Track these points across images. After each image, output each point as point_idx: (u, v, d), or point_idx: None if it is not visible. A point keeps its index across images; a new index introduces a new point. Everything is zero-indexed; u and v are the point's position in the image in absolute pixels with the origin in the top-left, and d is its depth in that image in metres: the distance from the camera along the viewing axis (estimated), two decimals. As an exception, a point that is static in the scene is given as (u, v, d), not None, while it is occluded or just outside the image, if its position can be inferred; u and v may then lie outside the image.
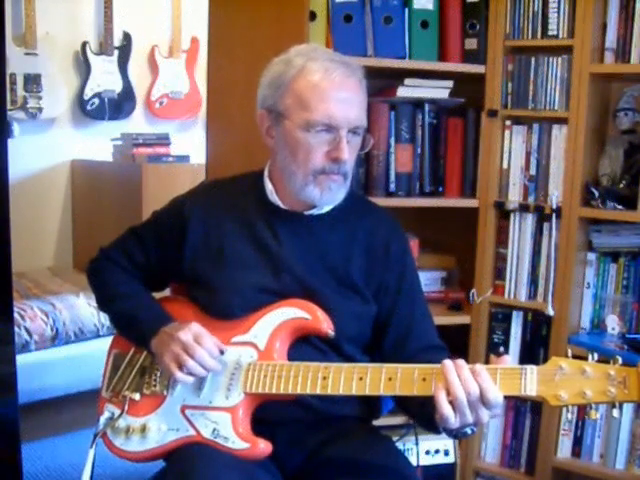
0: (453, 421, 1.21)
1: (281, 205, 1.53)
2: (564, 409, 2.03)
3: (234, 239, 1.52)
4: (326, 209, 1.53)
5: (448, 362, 1.24)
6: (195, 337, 1.39)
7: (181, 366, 1.39)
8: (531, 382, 1.21)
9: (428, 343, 1.54)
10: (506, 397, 1.24)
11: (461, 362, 1.24)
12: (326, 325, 1.43)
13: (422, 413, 1.38)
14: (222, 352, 1.41)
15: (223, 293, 1.49)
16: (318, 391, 1.33)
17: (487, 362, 2.22)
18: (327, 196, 1.47)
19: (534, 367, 1.22)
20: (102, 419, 1.50)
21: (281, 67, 1.46)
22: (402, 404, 1.51)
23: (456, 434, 1.32)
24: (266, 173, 1.57)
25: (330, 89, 1.41)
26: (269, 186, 1.55)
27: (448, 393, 1.21)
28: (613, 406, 1.19)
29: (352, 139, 1.45)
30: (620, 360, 1.20)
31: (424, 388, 1.27)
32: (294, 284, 1.48)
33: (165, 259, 1.59)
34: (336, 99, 1.41)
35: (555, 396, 1.20)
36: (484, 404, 1.21)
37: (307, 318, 1.44)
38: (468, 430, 1.29)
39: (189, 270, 1.54)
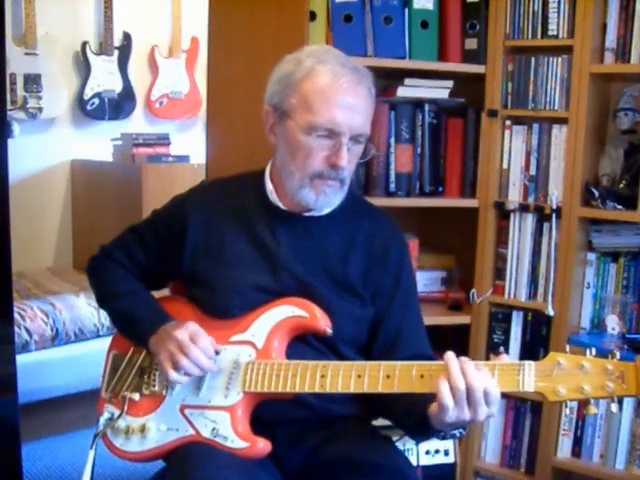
0: (451, 413, 1.20)
1: (281, 205, 1.53)
2: (564, 407, 2.03)
3: (234, 239, 1.52)
4: (325, 211, 1.53)
5: (451, 354, 1.23)
6: (191, 336, 1.39)
7: (176, 365, 1.39)
8: (529, 378, 1.21)
9: (416, 352, 1.52)
10: (505, 395, 1.24)
11: (465, 358, 1.24)
12: (324, 323, 1.43)
13: (409, 416, 1.37)
14: (217, 352, 1.41)
15: (222, 292, 1.49)
16: (316, 389, 1.33)
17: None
18: (322, 200, 1.47)
19: (532, 363, 1.23)
20: (102, 420, 1.51)
21: (291, 66, 1.46)
22: (386, 410, 1.50)
23: (445, 435, 1.31)
24: (267, 173, 1.57)
25: (336, 94, 1.40)
26: (269, 186, 1.55)
27: (450, 385, 1.20)
28: (612, 401, 1.19)
29: (353, 147, 1.45)
30: (618, 355, 1.21)
31: (422, 385, 1.27)
32: (293, 284, 1.48)
33: (165, 258, 1.59)
34: (341, 105, 1.40)
35: (553, 391, 1.20)
36: (485, 401, 1.20)
37: (305, 316, 1.44)
38: (457, 433, 1.30)
39: (188, 269, 1.54)
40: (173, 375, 1.39)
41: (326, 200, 1.48)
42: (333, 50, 1.52)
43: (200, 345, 1.39)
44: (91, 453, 1.48)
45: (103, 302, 1.64)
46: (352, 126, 1.41)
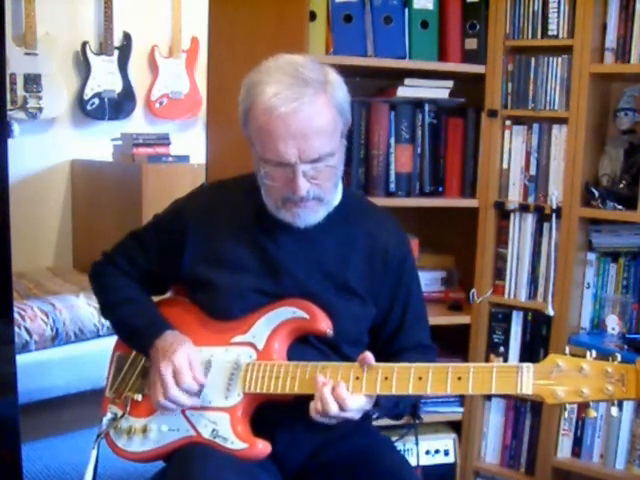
0: (323, 421, 1.33)
1: None
2: (564, 407, 2.03)
3: (234, 243, 1.51)
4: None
5: (319, 379, 1.32)
6: (175, 372, 1.39)
7: (157, 400, 1.40)
8: (527, 380, 1.21)
9: (416, 343, 1.56)
10: (505, 395, 1.24)
11: (326, 381, 1.32)
12: (325, 324, 1.43)
13: None
14: (202, 386, 1.41)
15: (223, 295, 1.49)
16: (316, 391, 1.33)
17: (487, 362, 2.23)
18: (299, 221, 1.43)
19: (530, 365, 1.22)
20: (105, 420, 1.51)
21: (243, 94, 1.41)
22: None
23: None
24: None
25: (275, 127, 1.33)
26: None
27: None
28: (612, 404, 1.19)
29: (318, 166, 1.37)
30: (619, 357, 1.20)
31: (420, 387, 1.28)
32: (293, 288, 1.48)
33: (166, 262, 1.58)
34: (283, 137, 1.33)
35: (552, 394, 1.19)
36: (346, 412, 1.31)
37: (306, 318, 1.43)
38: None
39: (189, 273, 1.54)
40: (158, 407, 1.42)
41: (303, 220, 1.43)
42: (282, 67, 1.37)
43: (183, 385, 1.38)
44: (94, 453, 1.48)
45: (105, 311, 1.64)
46: (302, 154, 1.34)
